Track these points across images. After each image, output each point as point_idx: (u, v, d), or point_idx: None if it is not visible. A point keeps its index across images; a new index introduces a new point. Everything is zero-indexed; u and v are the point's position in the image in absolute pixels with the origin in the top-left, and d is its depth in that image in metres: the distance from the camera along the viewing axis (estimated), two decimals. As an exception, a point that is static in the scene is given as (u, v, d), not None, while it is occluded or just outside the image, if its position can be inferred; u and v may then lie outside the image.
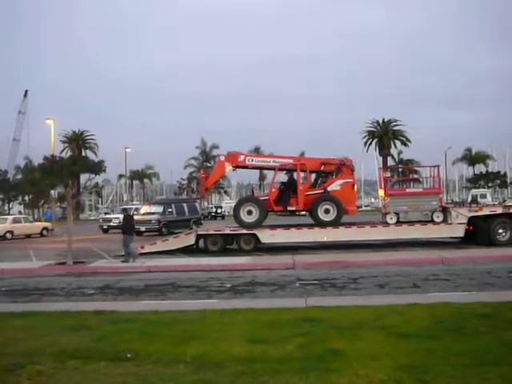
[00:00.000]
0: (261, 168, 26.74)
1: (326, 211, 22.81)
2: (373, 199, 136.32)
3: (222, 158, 24.83)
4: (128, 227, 20.67)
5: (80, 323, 9.06)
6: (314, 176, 25.14)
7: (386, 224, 22.94)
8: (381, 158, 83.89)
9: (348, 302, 10.67)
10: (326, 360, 6.51)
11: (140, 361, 6.70)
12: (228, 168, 24.65)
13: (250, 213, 23.04)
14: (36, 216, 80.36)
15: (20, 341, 7.94)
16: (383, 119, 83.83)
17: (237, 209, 23.41)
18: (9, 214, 57.26)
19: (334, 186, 23.63)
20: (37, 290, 14.66)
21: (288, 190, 23.82)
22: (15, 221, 39.40)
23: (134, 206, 47.06)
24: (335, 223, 22.66)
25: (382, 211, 24.34)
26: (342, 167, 24.20)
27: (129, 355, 6.89)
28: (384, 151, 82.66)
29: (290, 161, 24.47)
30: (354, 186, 24.03)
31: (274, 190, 24.34)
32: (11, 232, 37.63)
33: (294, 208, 23.77)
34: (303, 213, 25.34)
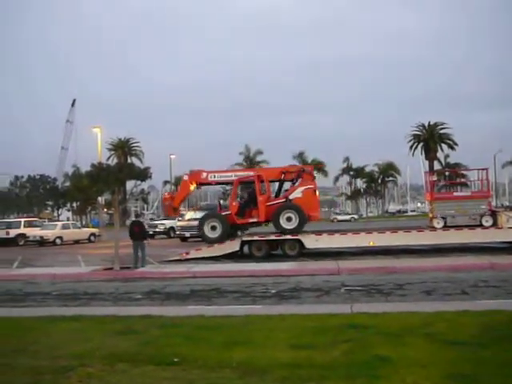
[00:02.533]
0: (223, 183, 26.98)
1: (288, 219, 22.88)
2: (419, 204, 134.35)
3: (186, 178, 25.63)
4: (140, 233, 20.95)
5: (128, 327, 9.21)
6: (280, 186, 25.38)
7: (433, 228, 22.56)
8: (427, 162, 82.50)
9: (394, 308, 10.51)
10: (372, 367, 6.42)
11: (186, 365, 6.76)
12: (192, 187, 25.37)
13: (214, 228, 23.51)
14: (84, 222, 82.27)
15: (70, 343, 8.13)
16: (429, 122, 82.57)
17: (201, 225, 23.82)
18: (58, 221, 58.81)
19: (296, 193, 23.73)
20: (86, 295, 14.98)
21: (249, 202, 24.09)
22: (64, 227, 40.46)
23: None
24: (297, 231, 22.73)
25: (429, 215, 23.96)
26: (303, 174, 24.35)
27: (175, 359, 6.96)
28: (430, 155, 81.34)
29: (251, 173, 24.87)
30: (315, 191, 24.08)
31: (234, 203, 24.49)
32: (60, 238, 38.63)
33: (255, 219, 23.99)
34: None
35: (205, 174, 24.93)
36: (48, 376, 6.50)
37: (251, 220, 24.04)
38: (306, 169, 25.39)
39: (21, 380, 6.41)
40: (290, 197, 23.63)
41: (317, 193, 24.36)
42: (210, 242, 23.35)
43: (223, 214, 24.61)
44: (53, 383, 6.24)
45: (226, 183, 25.76)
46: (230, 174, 26.03)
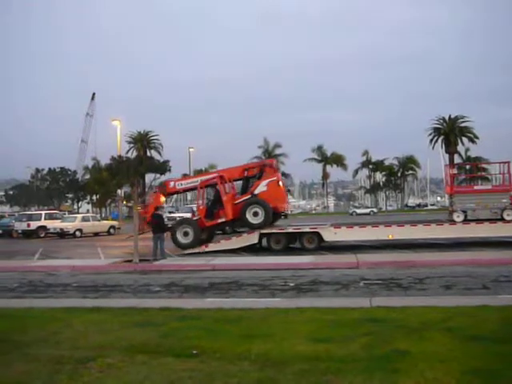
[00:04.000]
0: (190, 189, 27.08)
1: (255, 214, 23.18)
2: (439, 198, 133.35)
3: (156, 190, 26.41)
4: (161, 226, 21.09)
5: (147, 319, 9.28)
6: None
7: (453, 222, 22.36)
8: (447, 156, 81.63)
9: (414, 302, 10.44)
10: (391, 360, 6.39)
11: (205, 357, 6.78)
12: (162, 198, 25.93)
13: (186, 234, 23.87)
14: (103, 215, 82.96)
15: (90, 335, 8.21)
16: (449, 116, 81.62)
17: (174, 231, 24.05)
18: (78, 213, 59.35)
19: (261, 187, 23.99)
20: (105, 287, 15.12)
21: (215, 203, 24.50)
22: (84, 219, 40.85)
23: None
24: (265, 224, 22.94)
25: (449, 209, 23.76)
26: (264, 168, 24.75)
27: (194, 351, 6.99)
28: (450, 148, 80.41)
29: (214, 175, 25.04)
30: (278, 182, 24.29)
31: (201, 207, 24.98)
32: (80, 230, 39.03)
33: (223, 219, 24.30)
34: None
35: (172, 184, 25.66)
36: (69, 366, 6.57)
37: (219, 220, 24.48)
38: (267, 162, 25.90)
39: (43, 369, 6.50)
40: (256, 192, 23.96)
41: (281, 184, 24.57)
42: (183, 247, 23.69)
43: (194, 219, 25.21)
44: (74, 373, 6.31)
45: (193, 189, 25.97)
46: (195, 179, 26.28)
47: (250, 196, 24.07)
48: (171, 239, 23.65)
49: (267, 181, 24.11)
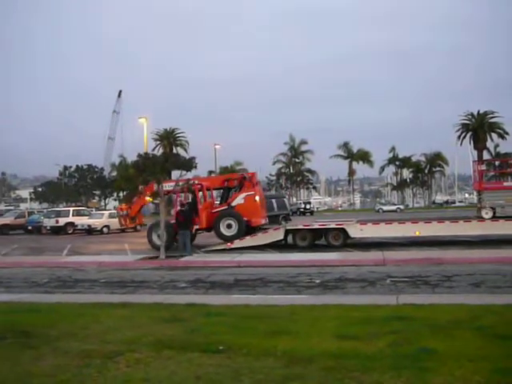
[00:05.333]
0: (172, 192, 26.93)
1: (229, 226, 23.61)
2: (467, 195, 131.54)
3: (142, 190, 26.75)
4: (186, 222, 21.18)
5: (173, 315, 9.34)
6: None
7: (481, 219, 22.05)
8: (475, 152, 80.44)
9: (441, 300, 10.33)
10: (418, 359, 6.33)
11: (231, 353, 6.80)
12: (148, 198, 26.72)
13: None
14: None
15: (118, 330, 8.30)
16: (478, 111, 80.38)
17: (149, 232, 24.83)
18: (105, 210, 59.97)
19: (238, 200, 24.39)
20: (132, 283, 15.27)
21: (192, 210, 24.36)
22: (111, 216, 41.26)
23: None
24: (238, 237, 22.97)
25: (477, 206, 23.44)
26: (244, 181, 25.04)
27: (221, 347, 7.02)
28: (479, 144, 79.20)
29: (196, 181, 25.29)
30: (255, 197, 24.45)
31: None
32: (108, 226, 39.48)
33: (198, 227, 24.39)
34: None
35: (156, 186, 25.38)
36: (98, 360, 6.66)
37: (194, 227, 24.32)
38: (247, 176, 25.97)
39: (72, 363, 6.59)
40: (233, 203, 24.26)
41: (257, 199, 24.64)
42: (157, 248, 23.45)
43: (171, 222, 25.19)
44: (102, 367, 6.39)
45: (174, 192, 26.08)
46: (172, 183, 25.97)
47: (226, 207, 24.56)
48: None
49: (245, 194, 24.57)
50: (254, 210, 24.54)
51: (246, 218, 24.19)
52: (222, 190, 27.14)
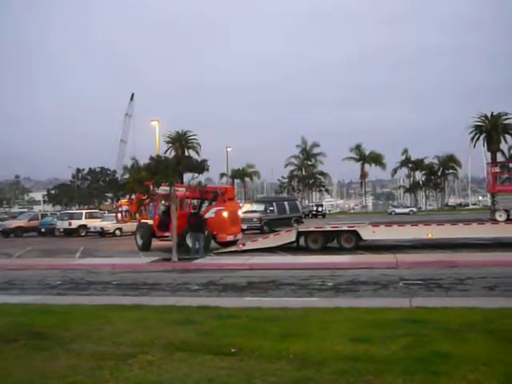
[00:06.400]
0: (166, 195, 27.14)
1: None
2: (480, 197, 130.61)
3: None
4: (198, 225, 21.24)
5: (186, 317, 9.34)
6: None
7: (495, 221, 21.88)
8: (489, 154, 79.86)
9: (455, 303, 10.25)
10: (432, 362, 6.29)
11: (243, 356, 6.80)
12: (145, 198, 25.93)
13: (142, 237, 26.74)
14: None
15: (131, 332, 8.33)
16: (492, 113, 79.84)
17: (136, 232, 26.86)
18: (117, 213, 60.19)
19: (210, 213, 24.49)
20: (145, 285, 15.31)
21: (166, 217, 25.01)
22: (124, 218, 41.36)
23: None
24: (202, 250, 22.45)
25: (491, 208, 23.27)
26: (217, 195, 25.14)
27: (233, 350, 7.02)
28: (493, 146, 78.63)
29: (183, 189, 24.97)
30: (223, 213, 24.43)
31: (157, 217, 26.62)
32: (120, 229, 39.57)
33: (169, 234, 24.35)
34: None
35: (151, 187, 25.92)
36: (110, 362, 6.68)
37: (167, 234, 25.19)
38: (220, 191, 25.97)
39: (85, 364, 6.63)
40: (206, 216, 24.14)
41: (225, 215, 24.53)
42: (139, 248, 26.22)
43: (148, 224, 27.03)
44: (115, 369, 6.41)
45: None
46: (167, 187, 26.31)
47: None
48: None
49: (216, 209, 24.63)
50: (222, 226, 24.48)
51: (214, 232, 24.30)
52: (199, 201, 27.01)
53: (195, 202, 26.70)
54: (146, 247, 26.38)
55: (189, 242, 23.42)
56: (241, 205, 43.75)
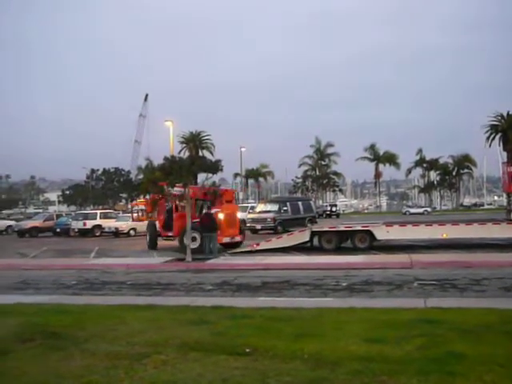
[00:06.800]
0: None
1: (193, 239, 23.37)
2: (496, 197, 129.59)
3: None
4: (211, 225, 21.25)
5: (200, 317, 9.36)
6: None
7: (511, 221, 21.67)
8: (505, 154, 79.10)
9: (471, 304, 10.18)
10: (447, 363, 6.25)
11: (258, 356, 6.80)
12: (160, 198, 26.28)
13: (149, 236, 27.72)
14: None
15: (145, 332, 8.35)
16: (508, 112, 79.04)
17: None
18: (132, 213, 60.48)
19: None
20: (159, 285, 15.36)
21: (170, 217, 25.70)
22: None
23: (249, 205, 48.04)
24: (199, 250, 22.64)
25: (507, 208, 23.07)
26: (216, 197, 25.29)
27: (247, 350, 7.02)
28: (509, 146, 77.76)
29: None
30: (218, 215, 24.13)
31: (162, 217, 26.82)
32: (134, 229, 39.74)
33: (171, 234, 25.57)
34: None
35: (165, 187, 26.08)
36: (125, 361, 6.71)
37: (169, 234, 25.82)
38: (218, 193, 25.94)
39: (100, 364, 6.66)
40: (220, 217, 24.10)
41: (220, 217, 24.27)
42: (148, 247, 27.26)
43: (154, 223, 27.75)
44: (129, 369, 6.44)
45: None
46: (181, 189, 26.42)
47: (197, 220, 24.55)
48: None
49: (213, 211, 24.50)
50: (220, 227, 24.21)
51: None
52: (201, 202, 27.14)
53: (200, 202, 26.69)
54: (152, 246, 27.10)
55: (186, 242, 23.65)
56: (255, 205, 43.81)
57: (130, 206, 36.43)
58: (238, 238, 25.39)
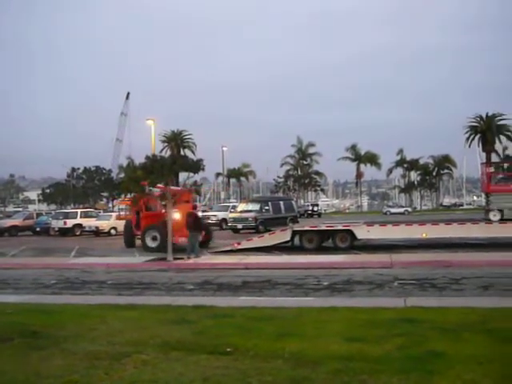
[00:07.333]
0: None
1: (154, 238, 24.36)
2: (475, 197, 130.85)
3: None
4: (195, 225, 21.18)
5: (181, 317, 9.34)
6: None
7: (489, 221, 21.94)
8: (484, 155, 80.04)
9: (450, 303, 10.28)
10: (426, 361, 6.30)
11: (239, 355, 6.80)
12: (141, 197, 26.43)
13: (124, 235, 28.13)
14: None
15: (126, 331, 8.31)
16: (487, 113, 79.98)
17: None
18: (113, 212, 60.12)
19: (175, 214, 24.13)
20: (140, 284, 15.29)
21: (139, 216, 26.13)
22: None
23: (231, 204, 48.04)
24: (159, 250, 23.23)
25: (485, 208, 23.34)
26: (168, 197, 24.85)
27: (228, 349, 7.01)
28: (487, 147, 78.80)
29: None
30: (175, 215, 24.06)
31: (135, 215, 27.22)
32: (115, 228, 39.45)
33: (139, 232, 25.89)
34: None
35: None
36: (105, 361, 6.67)
37: (138, 232, 26.13)
38: (178, 193, 25.44)
39: (80, 364, 6.61)
40: (176, 217, 24.04)
41: (175, 217, 24.02)
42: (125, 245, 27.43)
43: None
44: (109, 368, 6.39)
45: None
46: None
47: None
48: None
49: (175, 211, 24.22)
50: (173, 228, 23.88)
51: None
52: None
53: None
54: (128, 244, 27.29)
55: (148, 241, 24.65)
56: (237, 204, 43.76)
57: (115, 205, 36.51)
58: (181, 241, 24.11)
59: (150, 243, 24.84)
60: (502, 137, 79.90)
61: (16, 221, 45.99)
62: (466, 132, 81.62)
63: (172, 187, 27.13)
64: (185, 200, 25.60)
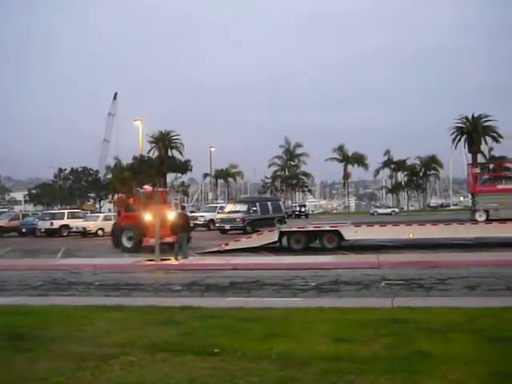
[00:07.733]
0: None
1: (129, 238, 24.87)
2: (461, 198, 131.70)
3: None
4: (183, 226, 21.13)
5: (168, 318, 9.31)
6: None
7: (475, 222, 22.10)
8: (470, 155, 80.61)
9: (436, 303, 10.34)
10: (413, 361, 6.33)
11: (226, 356, 6.79)
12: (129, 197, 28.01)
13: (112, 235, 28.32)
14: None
15: (113, 332, 8.27)
16: (472, 115, 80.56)
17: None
18: (100, 212, 59.83)
19: (147, 216, 24.32)
20: (127, 285, 15.23)
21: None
22: (106, 218, 41.12)
23: (218, 205, 47.99)
24: (133, 250, 23.97)
25: (471, 208, 23.51)
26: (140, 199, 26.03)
27: (215, 350, 7.00)
28: (473, 148, 79.36)
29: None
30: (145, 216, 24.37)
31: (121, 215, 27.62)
32: (102, 229, 39.30)
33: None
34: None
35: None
36: (91, 363, 6.63)
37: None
38: (143, 195, 26.71)
39: (66, 366, 6.57)
40: (146, 218, 24.24)
41: (149, 217, 24.05)
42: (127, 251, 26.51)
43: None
44: (96, 370, 6.36)
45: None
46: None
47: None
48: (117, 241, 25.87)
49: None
50: (146, 229, 24.52)
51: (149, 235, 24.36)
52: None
53: (178, 202, 26.81)
54: (115, 245, 27.09)
55: (124, 241, 25.10)
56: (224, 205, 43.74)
57: (103, 205, 36.82)
58: (169, 239, 23.53)
59: (126, 243, 25.37)
60: (487, 138, 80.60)
61: (1, 222, 45.60)
62: (453, 133, 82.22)
63: (146, 187, 27.39)
64: (161, 201, 25.58)
